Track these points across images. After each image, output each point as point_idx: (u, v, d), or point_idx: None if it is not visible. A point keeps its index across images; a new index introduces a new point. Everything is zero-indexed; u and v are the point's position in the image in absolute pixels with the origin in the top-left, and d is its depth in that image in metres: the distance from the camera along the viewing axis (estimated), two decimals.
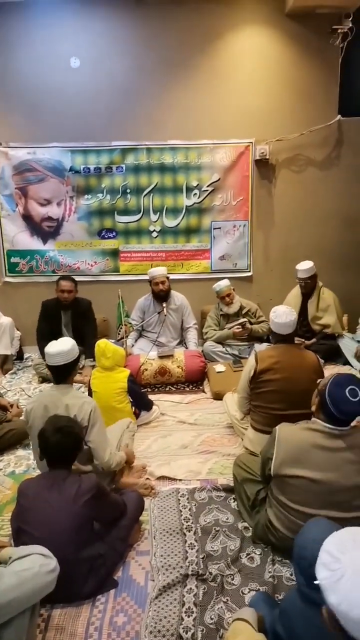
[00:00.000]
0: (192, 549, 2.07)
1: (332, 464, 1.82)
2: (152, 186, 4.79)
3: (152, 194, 4.81)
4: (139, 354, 4.14)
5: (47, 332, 4.22)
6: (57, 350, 2.35)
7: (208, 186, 4.79)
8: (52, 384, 2.44)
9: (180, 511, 2.33)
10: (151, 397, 3.74)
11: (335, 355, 4.35)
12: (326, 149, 4.75)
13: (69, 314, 4.26)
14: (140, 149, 4.70)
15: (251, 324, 4.42)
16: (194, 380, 4.03)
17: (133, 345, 4.39)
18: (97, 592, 1.87)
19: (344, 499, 1.81)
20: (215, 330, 4.44)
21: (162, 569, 1.95)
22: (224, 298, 4.37)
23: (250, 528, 2.16)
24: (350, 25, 4.37)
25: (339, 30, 4.41)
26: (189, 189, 4.80)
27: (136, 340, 4.48)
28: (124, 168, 4.75)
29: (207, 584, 1.88)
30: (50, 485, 1.85)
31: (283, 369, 2.62)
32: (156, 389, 3.98)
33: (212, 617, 1.73)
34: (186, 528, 2.20)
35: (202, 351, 4.38)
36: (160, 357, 4.03)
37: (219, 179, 4.77)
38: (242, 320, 4.34)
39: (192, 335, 4.47)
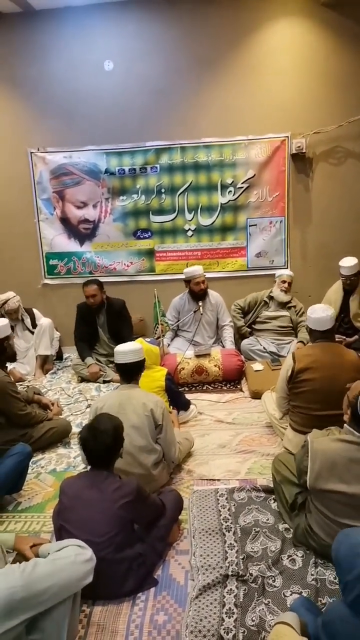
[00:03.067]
0: (231, 549, 2.05)
1: None
2: (187, 185, 4.78)
3: (186, 193, 4.80)
4: (175, 353, 4.14)
5: (84, 334, 4.29)
6: (126, 349, 2.52)
7: (243, 183, 4.73)
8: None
9: (219, 511, 2.31)
10: (189, 396, 3.74)
11: None
12: None
13: (104, 316, 4.30)
14: (174, 148, 4.70)
15: (292, 321, 4.37)
16: (232, 379, 3.99)
17: (169, 345, 4.39)
18: (137, 590, 1.88)
19: None
20: (239, 311, 4.49)
21: (201, 568, 1.93)
22: (284, 282, 4.41)
23: (291, 529, 2.11)
24: None
25: None
26: (224, 187, 4.76)
27: (172, 340, 4.48)
28: (158, 168, 4.76)
29: (247, 585, 1.85)
30: (90, 484, 1.87)
31: (322, 368, 2.55)
32: (193, 388, 3.97)
33: (254, 619, 1.70)
34: (225, 528, 2.18)
35: (240, 349, 4.34)
36: (197, 356, 4.02)
37: (254, 175, 4.70)
38: None
39: (228, 334, 4.43)
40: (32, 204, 4.88)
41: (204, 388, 3.96)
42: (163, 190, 4.81)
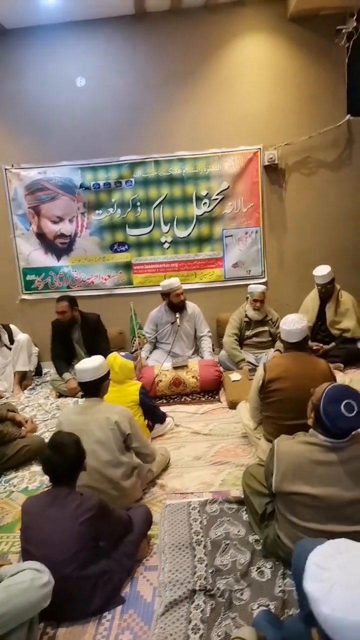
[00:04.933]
0: (201, 563, 2.02)
1: (333, 478, 1.76)
2: (162, 198, 4.82)
3: (162, 206, 4.84)
4: (153, 365, 4.13)
5: (59, 350, 4.26)
6: (86, 367, 2.48)
7: (218, 195, 4.78)
8: (74, 399, 2.51)
9: (191, 524, 2.28)
10: (166, 408, 3.73)
11: (355, 359, 4.22)
12: (337, 150, 4.68)
13: (78, 331, 4.27)
14: (149, 162, 4.74)
15: (271, 334, 4.36)
16: (210, 389, 3.98)
17: (148, 357, 4.38)
18: (103, 609, 1.84)
19: (348, 513, 1.75)
20: (235, 340, 4.35)
21: (169, 584, 1.90)
22: (256, 302, 4.31)
23: (261, 541, 2.09)
24: (355, 24, 4.31)
25: (344, 31, 4.36)
26: (199, 199, 4.80)
27: (151, 352, 4.47)
28: (133, 182, 4.79)
29: (215, 600, 1.82)
30: (51, 502, 1.84)
31: (292, 378, 2.55)
32: (171, 400, 3.95)
33: (219, 634, 1.67)
34: (196, 542, 2.15)
35: (219, 360, 4.34)
36: (175, 368, 4.00)
37: (228, 187, 4.76)
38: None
39: (206, 344, 4.43)
40: (7, 220, 4.88)
41: (182, 400, 3.94)
42: (139, 204, 4.84)
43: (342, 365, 4.15)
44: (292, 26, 4.45)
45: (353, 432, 1.80)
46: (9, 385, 4.44)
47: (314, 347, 4.31)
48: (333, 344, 4.29)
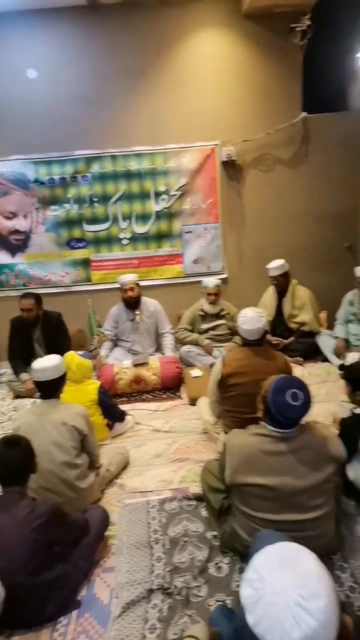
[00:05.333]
0: (159, 562, 2.00)
1: (284, 467, 1.79)
2: (120, 193, 4.74)
3: (120, 201, 4.76)
4: (113, 363, 4.07)
5: (18, 350, 4.12)
6: (45, 366, 2.41)
7: (176, 190, 4.75)
8: (32, 399, 2.45)
9: (149, 523, 2.25)
10: (127, 406, 3.69)
11: (314, 353, 4.30)
12: (293, 147, 4.74)
13: (39, 330, 4.15)
14: (105, 156, 4.66)
15: (229, 328, 4.37)
16: (171, 387, 3.96)
17: (108, 356, 4.31)
18: (59, 615, 1.79)
19: (302, 501, 1.78)
20: (186, 330, 4.38)
21: (126, 585, 1.87)
22: (210, 295, 4.30)
23: (219, 536, 2.09)
24: (309, 22, 4.37)
25: (298, 29, 4.40)
26: (157, 194, 4.76)
27: (111, 350, 4.41)
28: (89, 177, 4.70)
29: (172, 598, 1.80)
30: (2, 509, 1.77)
31: (250, 372, 2.57)
32: (132, 398, 3.90)
33: (175, 632, 1.66)
34: (154, 540, 2.13)
35: (179, 356, 4.32)
36: (135, 365, 3.96)
37: (186, 183, 4.74)
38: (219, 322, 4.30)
39: (168, 341, 4.40)
40: None
41: (143, 397, 3.91)
42: (96, 199, 4.75)
43: (301, 359, 4.22)
44: (247, 23, 4.47)
45: (301, 422, 1.84)
46: None
47: (274, 342, 4.36)
48: (292, 338, 4.36)
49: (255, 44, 4.51)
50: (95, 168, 4.68)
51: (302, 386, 1.82)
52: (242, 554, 1.94)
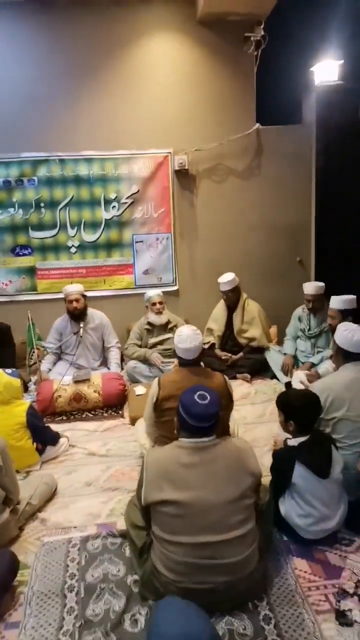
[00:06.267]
0: (70, 614, 1.81)
1: (198, 480, 1.74)
2: (68, 199, 4.54)
3: (68, 208, 4.56)
4: (53, 379, 3.85)
5: None
6: None
7: (127, 198, 4.59)
8: None
9: (67, 566, 2.06)
10: (66, 425, 3.50)
11: (262, 369, 4.22)
12: (246, 158, 4.66)
13: None
14: (52, 160, 4.44)
15: None
16: (113, 404, 3.76)
17: (50, 370, 4.09)
18: None
19: (218, 519, 1.70)
20: (135, 345, 4.20)
21: None
22: (155, 305, 4.13)
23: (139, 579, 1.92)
24: (262, 33, 4.30)
25: (252, 38, 4.33)
26: (107, 202, 4.58)
27: (54, 364, 4.18)
28: (36, 180, 4.47)
29: None
30: None
31: None
32: (72, 417, 3.69)
33: None
34: (68, 588, 1.94)
35: (126, 371, 4.14)
36: (75, 382, 3.75)
37: (138, 191, 4.58)
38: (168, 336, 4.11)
39: (113, 355, 4.22)
40: None
41: (84, 416, 3.70)
42: (42, 205, 4.52)
43: (248, 376, 4.13)
44: (201, 29, 4.36)
45: (214, 435, 1.83)
46: None
47: (223, 357, 4.26)
48: (241, 354, 4.26)
49: (210, 52, 4.41)
50: (43, 172, 4.46)
51: (210, 390, 1.89)
52: (160, 595, 1.79)
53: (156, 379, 2.63)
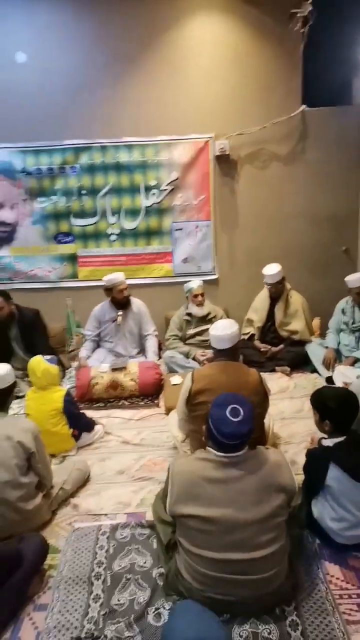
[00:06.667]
0: (96, 601, 1.84)
1: (225, 497, 1.64)
2: (109, 187, 4.54)
3: (108, 195, 4.56)
4: (91, 366, 3.90)
5: None
6: None
7: (167, 185, 4.53)
8: None
9: (96, 553, 2.09)
10: (102, 412, 3.54)
11: (302, 362, 4.09)
12: (290, 142, 4.47)
13: (16, 328, 3.98)
14: (94, 147, 4.44)
15: None
16: (149, 393, 3.76)
17: (89, 357, 4.15)
18: None
19: (244, 538, 1.62)
20: (177, 339, 4.18)
21: (53, 630, 1.72)
22: (196, 297, 4.08)
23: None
24: (310, 8, 4.06)
25: (299, 14, 4.10)
26: (147, 189, 4.54)
27: (93, 351, 4.24)
28: (77, 168, 4.49)
29: None
30: None
31: (219, 390, 2.32)
32: (109, 404, 3.74)
33: None
34: (95, 576, 1.97)
35: (163, 360, 4.14)
36: (113, 370, 3.78)
37: (177, 178, 4.51)
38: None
39: (151, 344, 4.22)
40: None
41: (120, 404, 3.74)
42: (84, 192, 4.55)
43: (288, 369, 4.01)
44: (245, 7, 4.17)
45: (247, 447, 1.70)
46: None
47: (262, 349, 4.16)
48: (281, 346, 4.15)
49: (253, 31, 4.23)
50: (84, 159, 4.48)
51: (244, 403, 1.72)
52: (185, 598, 1.78)
53: (190, 373, 2.59)
